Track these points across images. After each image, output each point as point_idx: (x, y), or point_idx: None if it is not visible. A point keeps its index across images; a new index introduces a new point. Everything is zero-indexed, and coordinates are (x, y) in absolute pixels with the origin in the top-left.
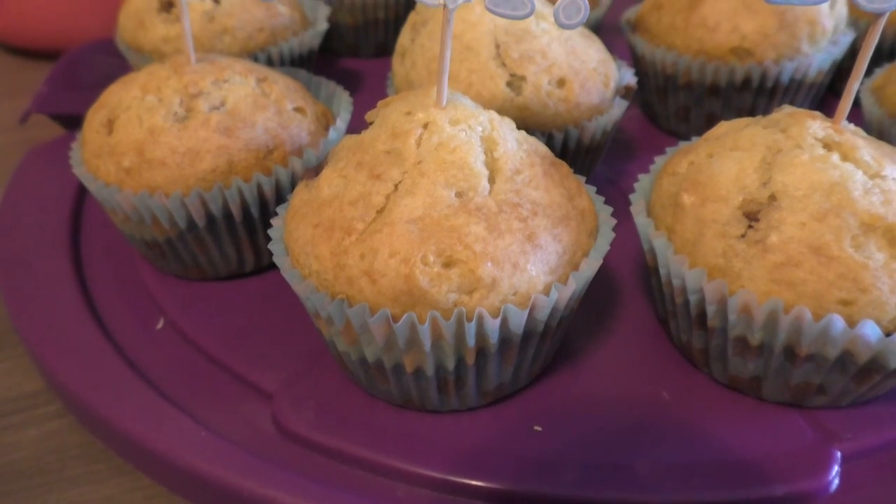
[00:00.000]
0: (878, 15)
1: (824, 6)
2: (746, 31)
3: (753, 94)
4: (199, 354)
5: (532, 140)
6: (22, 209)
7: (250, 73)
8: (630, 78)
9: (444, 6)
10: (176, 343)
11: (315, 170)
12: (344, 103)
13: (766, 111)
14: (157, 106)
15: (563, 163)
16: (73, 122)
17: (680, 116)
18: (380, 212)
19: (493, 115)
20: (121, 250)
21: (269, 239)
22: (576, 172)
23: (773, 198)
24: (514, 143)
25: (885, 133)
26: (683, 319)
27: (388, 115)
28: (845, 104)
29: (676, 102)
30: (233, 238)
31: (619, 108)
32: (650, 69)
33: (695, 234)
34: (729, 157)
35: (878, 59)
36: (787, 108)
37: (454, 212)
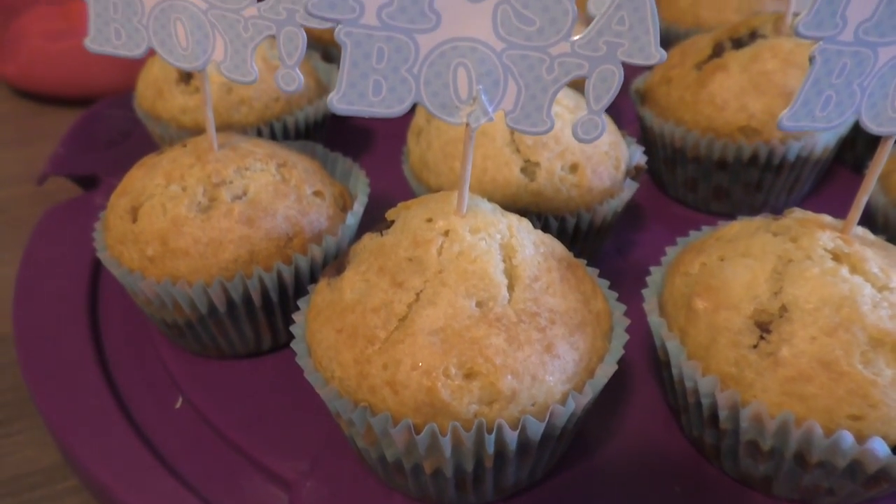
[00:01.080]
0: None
1: None
2: (754, 110)
3: (760, 169)
4: (218, 437)
5: (548, 241)
6: (40, 276)
7: (271, 158)
8: (639, 157)
9: (467, 125)
10: (194, 423)
11: (336, 267)
12: (360, 184)
13: (772, 184)
14: (180, 195)
15: (579, 263)
16: (89, 182)
17: (688, 186)
18: (402, 320)
19: (512, 219)
20: (139, 322)
21: (286, 320)
22: (586, 251)
23: (784, 309)
24: (532, 248)
25: (890, 221)
26: (695, 416)
27: (410, 220)
28: (854, 215)
29: (685, 174)
30: (252, 321)
31: (630, 190)
32: (658, 141)
33: (708, 340)
34: (741, 264)
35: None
36: (797, 213)
37: (475, 322)
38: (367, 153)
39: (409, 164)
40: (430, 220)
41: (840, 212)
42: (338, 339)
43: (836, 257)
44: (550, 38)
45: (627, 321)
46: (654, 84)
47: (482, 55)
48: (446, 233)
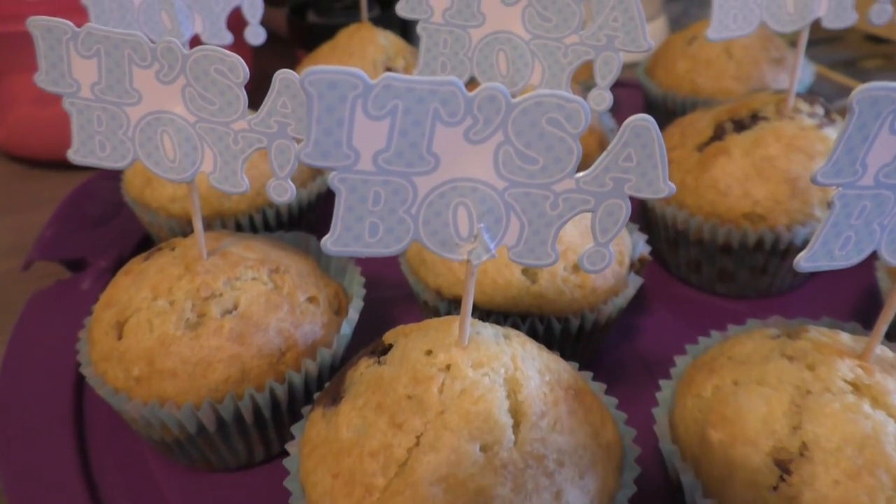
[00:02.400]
0: None
1: None
2: (758, 197)
3: (766, 254)
4: None
5: (553, 365)
6: (23, 374)
7: (262, 264)
8: (643, 248)
9: (468, 261)
10: None
11: (331, 394)
12: (356, 284)
13: (777, 268)
14: (168, 310)
15: (587, 389)
16: (77, 265)
17: (691, 268)
18: (402, 466)
19: (516, 348)
20: (127, 429)
21: (279, 433)
22: (590, 347)
23: (804, 447)
24: (537, 378)
25: None
26: None
27: (409, 351)
28: (874, 343)
29: (688, 255)
30: (243, 437)
31: (634, 286)
32: (660, 222)
33: (724, 474)
34: (756, 394)
35: None
36: (812, 332)
37: (479, 470)
38: None
39: (405, 259)
40: (429, 353)
41: (847, 292)
42: (334, 484)
43: (857, 389)
44: (554, 175)
45: (638, 450)
46: None
47: (483, 194)
48: (447, 367)
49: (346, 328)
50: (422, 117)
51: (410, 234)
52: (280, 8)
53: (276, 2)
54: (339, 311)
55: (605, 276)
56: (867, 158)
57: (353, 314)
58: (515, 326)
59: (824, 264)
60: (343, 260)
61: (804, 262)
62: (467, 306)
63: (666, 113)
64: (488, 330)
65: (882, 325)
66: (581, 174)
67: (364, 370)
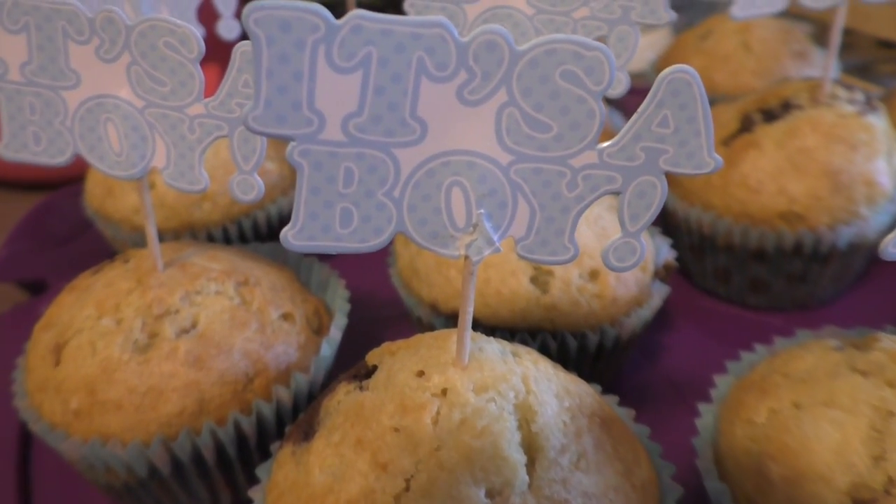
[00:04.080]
0: None
1: (881, 163)
2: (795, 193)
3: (805, 259)
4: None
5: (573, 387)
6: None
7: (228, 276)
8: (667, 253)
9: (467, 258)
10: None
11: (304, 427)
12: (339, 299)
13: (819, 276)
14: (114, 331)
15: (615, 417)
16: (38, 287)
17: (719, 278)
18: None
19: (527, 365)
20: (77, 474)
21: (249, 474)
22: (611, 368)
23: (890, 482)
24: (555, 404)
25: None
26: None
27: (396, 372)
28: None
29: (715, 263)
30: (205, 481)
31: (660, 295)
32: (683, 226)
33: None
34: (825, 418)
35: None
36: (885, 341)
37: None
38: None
39: (396, 270)
40: (421, 374)
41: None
42: None
43: None
44: (572, 146)
45: (680, 490)
46: None
47: (483, 171)
48: (443, 392)
49: (326, 349)
50: (403, 70)
51: (393, 223)
52: None
53: None
54: (320, 330)
55: (626, 284)
56: None
57: (336, 333)
58: (524, 344)
59: None
60: (325, 273)
61: (893, 247)
62: (467, 315)
63: None
64: (493, 346)
65: None
66: (605, 144)
67: (342, 398)
